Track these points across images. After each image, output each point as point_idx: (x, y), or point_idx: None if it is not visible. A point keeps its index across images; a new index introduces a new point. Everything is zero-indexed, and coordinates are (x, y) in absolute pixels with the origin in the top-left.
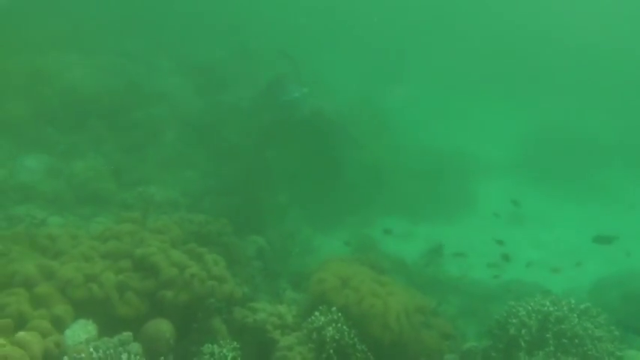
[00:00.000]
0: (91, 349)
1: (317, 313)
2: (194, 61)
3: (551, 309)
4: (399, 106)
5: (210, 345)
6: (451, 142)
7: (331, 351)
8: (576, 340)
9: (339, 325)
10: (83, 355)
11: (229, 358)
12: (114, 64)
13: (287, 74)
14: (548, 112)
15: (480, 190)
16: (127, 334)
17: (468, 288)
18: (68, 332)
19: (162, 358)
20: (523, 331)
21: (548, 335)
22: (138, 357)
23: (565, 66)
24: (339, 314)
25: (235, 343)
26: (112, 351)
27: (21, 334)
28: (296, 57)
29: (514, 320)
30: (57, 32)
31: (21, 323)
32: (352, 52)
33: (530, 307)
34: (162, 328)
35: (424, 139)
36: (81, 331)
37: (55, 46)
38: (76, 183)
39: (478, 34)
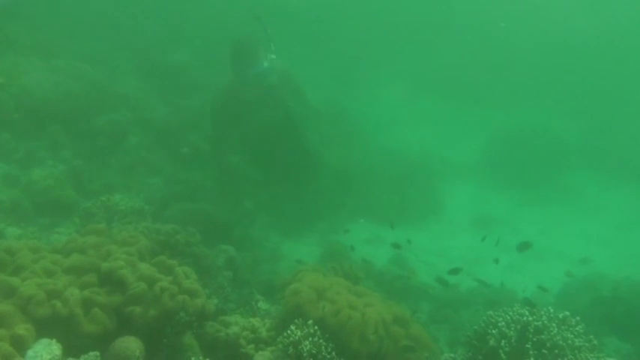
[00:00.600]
0: None
1: (293, 327)
2: (157, 64)
3: (530, 319)
4: (364, 109)
5: None
6: (417, 145)
7: None
8: (556, 351)
9: (316, 339)
10: None
11: None
12: (74, 68)
13: (253, 38)
14: (512, 115)
15: (448, 194)
16: (93, 354)
17: (438, 294)
18: (30, 353)
19: None
20: (503, 342)
21: (528, 346)
22: None
23: (528, 67)
24: (316, 327)
25: (208, 359)
26: None
27: None
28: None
29: (493, 331)
30: (14, 35)
31: None
32: (318, 55)
33: (509, 317)
34: (131, 345)
35: (390, 142)
36: (44, 352)
37: (11, 49)
38: (34, 191)
39: (442, 36)
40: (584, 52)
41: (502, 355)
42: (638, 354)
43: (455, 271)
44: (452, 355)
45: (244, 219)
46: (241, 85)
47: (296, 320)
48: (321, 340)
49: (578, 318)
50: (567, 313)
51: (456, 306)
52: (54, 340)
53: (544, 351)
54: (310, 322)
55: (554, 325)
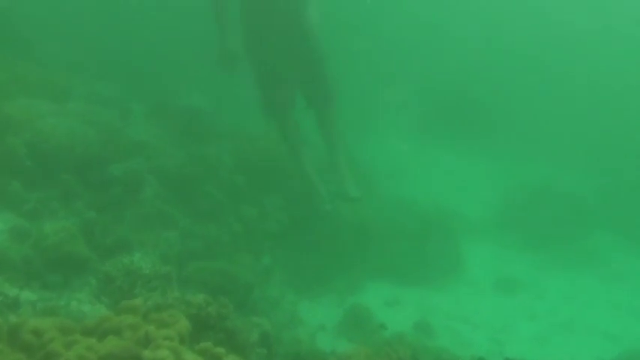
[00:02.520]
0: None
1: None
2: (173, 108)
3: None
4: (374, 157)
5: None
6: (430, 197)
7: None
8: None
9: None
10: None
11: None
12: (87, 112)
13: None
14: (523, 167)
15: (468, 252)
16: None
17: None
18: None
19: None
20: None
21: None
22: None
23: (547, 117)
24: None
25: None
26: None
27: None
28: None
29: None
30: (22, 72)
31: None
32: None
33: None
34: None
35: (402, 192)
36: None
37: (24, 91)
38: (45, 247)
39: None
40: (607, 97)
41: None
42: None
43: None
44: None
45: (262, 276)
46: None
47: None
48: None
49: None
50: None
51: None
52: None
53: None
54: None
55: None
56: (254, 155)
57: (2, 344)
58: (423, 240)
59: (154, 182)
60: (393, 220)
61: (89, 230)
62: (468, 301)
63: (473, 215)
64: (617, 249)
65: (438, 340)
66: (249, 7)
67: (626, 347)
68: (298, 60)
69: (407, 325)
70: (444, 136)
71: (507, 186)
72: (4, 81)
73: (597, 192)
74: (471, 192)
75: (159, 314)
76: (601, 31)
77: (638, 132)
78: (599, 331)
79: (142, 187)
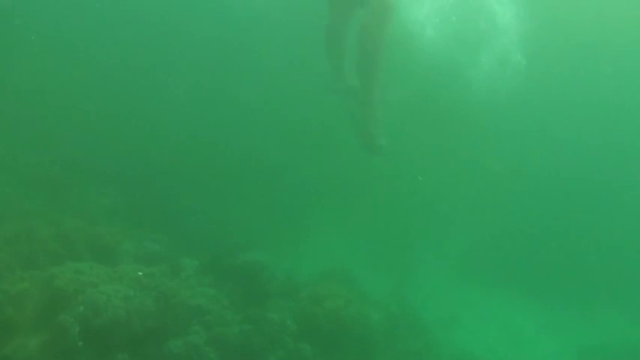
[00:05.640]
0: None
1: None
2: (226, 262)
3: None
4: (424, 302)
5: None
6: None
7: None
8: None
9: None
10: None
11: None
12: (142, 275)
13: None
14: (609, 324)
15: None
16: None
17: None
18: None
19: None
20: None
21: None
22: None
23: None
24: None
25: None
26: None
27: None
28: None
29: None
30: (70, 230)
31: None
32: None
33: None
34: None
35: (465, 348)
36: None
37: (70, 251)
38: None
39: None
40: None
41: None
42: None
43: None
44: None
45: None
46: None
47: None
48: None
49: None
50: None
51: None
52: None
53: None
54: None
55: None
56: (320, 318)
57: None
58: None
59: (215, 356)
60: None
61: None
62: None
63: None
64: None
65: None
66: None
67: None
68: None
69: None
70: (499, 281)
71: (582, 345)
72: (50, 237)
73: None
74: (539, 352)
75: None
76: None
77: None
78: None
79: None
